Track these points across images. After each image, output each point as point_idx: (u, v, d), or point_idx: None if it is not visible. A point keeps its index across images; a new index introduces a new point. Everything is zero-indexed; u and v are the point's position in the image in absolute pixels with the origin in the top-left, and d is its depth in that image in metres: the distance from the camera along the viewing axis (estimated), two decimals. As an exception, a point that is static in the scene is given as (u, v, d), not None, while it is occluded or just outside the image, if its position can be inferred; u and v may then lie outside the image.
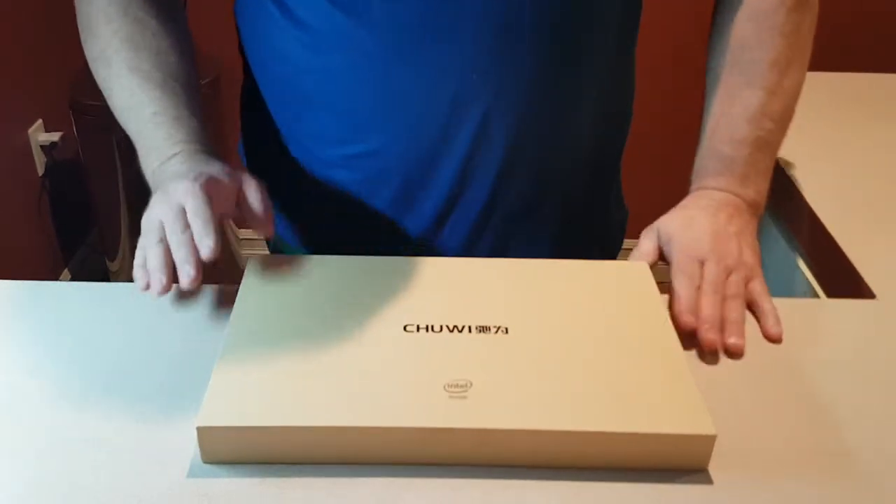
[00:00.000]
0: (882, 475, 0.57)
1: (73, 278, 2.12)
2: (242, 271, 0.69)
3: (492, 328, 0.63)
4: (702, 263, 0.70)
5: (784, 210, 1.05)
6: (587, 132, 0.81)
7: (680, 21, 1.99)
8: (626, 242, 0.97)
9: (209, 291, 0.72)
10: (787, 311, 0.72)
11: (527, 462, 0.56)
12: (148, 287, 0.63)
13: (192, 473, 0.55)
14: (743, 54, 0.75)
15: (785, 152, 1.08)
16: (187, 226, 0.63)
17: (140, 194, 2.33)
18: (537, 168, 0.79)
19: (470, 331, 0.62)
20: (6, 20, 1.81)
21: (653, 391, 0.58)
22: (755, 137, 0.74)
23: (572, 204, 0.85)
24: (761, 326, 0.69)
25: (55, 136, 1.95)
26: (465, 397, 0.56)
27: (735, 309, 0.68)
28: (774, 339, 0.68)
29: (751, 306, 0.70)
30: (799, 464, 0.57)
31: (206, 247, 0.62)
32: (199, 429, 0.54)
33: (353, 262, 0.70)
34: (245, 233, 2.24)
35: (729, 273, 0.70)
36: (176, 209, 0.64)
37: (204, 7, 1.92)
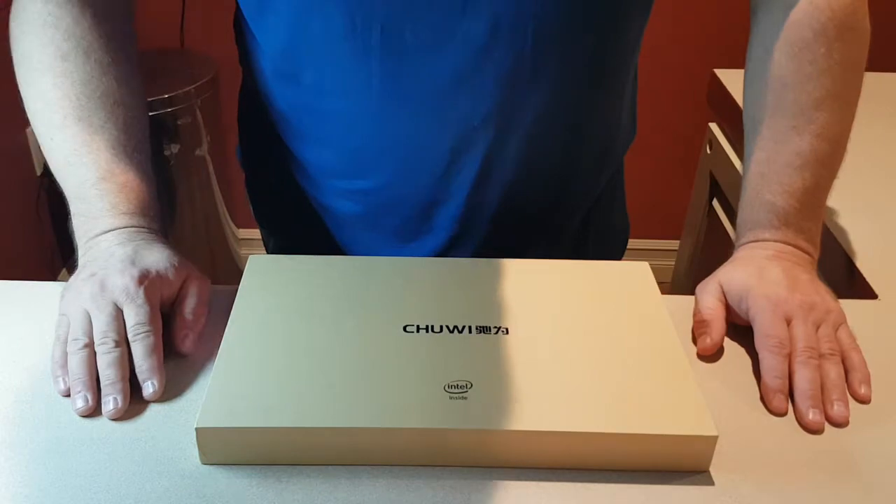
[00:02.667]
0: (884, 476, 0.56)
1: (72, 278, 2.12)
2: (242, 271, 0.68)
3: (492, 328, 0.62)
4: (788, 321, 0.64)
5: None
6: (589, 170, 0.80)
7: (681, 33, 1.99)
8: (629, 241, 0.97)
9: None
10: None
11: (527, 463, 0.56)
12: (68, 395, 0.59)
13: (190, 474, 0.55)
14: (786, 94, 0.70)
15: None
16: (122, 340, 0.59)
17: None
18: (537, 209, 0.79)
19: (470, 331, 0.62)
20: (4, 19, 1.80)
21: (654, 392, 0.57)
22: (807, 186, 0.69)
23: (571, 238, 0.85)
24: (848, 382, 0.63)
25: (53, 136, 1.96)
26: (465, 398, 0.56)
27: (832, 368, 0.63)
28: (862, 400, 0.62)
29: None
30: (800, 465, 0.57)
31: (150, 388, 0.59)
32: (198, 430, 0.54)
33: (353, 262, 0.70)
34: (244, 233, 2.24)
35: (818, 326, 0.65)
36: (110, 313, 0.59)
37: (202, 2, 1.92)
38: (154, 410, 0.59)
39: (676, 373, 0.59)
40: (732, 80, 1.25)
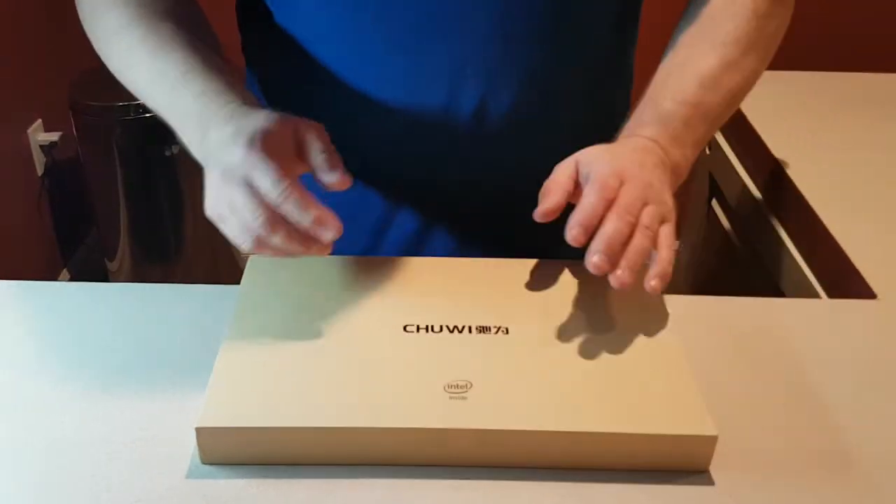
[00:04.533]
0: (882, 476, 0.56)
1: (73, 278, 2.12)
2: (242, 271, 0.68)
3: (492, 328, 0.63)
4: (622, 183, 0.62)
5: (785, 210, 1.05)
6: (582, 129, 0.80)
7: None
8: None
9: (209, 291, 0.72)
10: (788, 311, 0.71)
11: (527, 462, 0.56)
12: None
13: (191, 474, 0.55)
14: (710, 24, 0.73)
15: (785, 151, 1.08)
16: (266, 206, 0.59)
17: (139, 194, 2.32)
18: (532, 165, 0.79)
19: (470, 331, 0.62)
20: (6, 20, 1.81)
21: (653, 392, 0.57)
22: (698, 102, 0.69)
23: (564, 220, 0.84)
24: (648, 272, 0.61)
25: (55, 136, 1.95)
26: (465, 398, 0.56)
27: (640, 240, 0.60)
28: (650, 291, 0.59)
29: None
30: (800, 464, 0.57)
31: (329, 235, 0.58)
32: (198, 430, 0.54)
33: (353, 262, 0.70)
34: (244, 233, 2.23)
35: (646, 203, 0.62)
36: (246, 191, 0.59)
37: (203, 2, 1.92)
38: (154, 410, 0.59)
39: (676, 373, 0.59)
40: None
